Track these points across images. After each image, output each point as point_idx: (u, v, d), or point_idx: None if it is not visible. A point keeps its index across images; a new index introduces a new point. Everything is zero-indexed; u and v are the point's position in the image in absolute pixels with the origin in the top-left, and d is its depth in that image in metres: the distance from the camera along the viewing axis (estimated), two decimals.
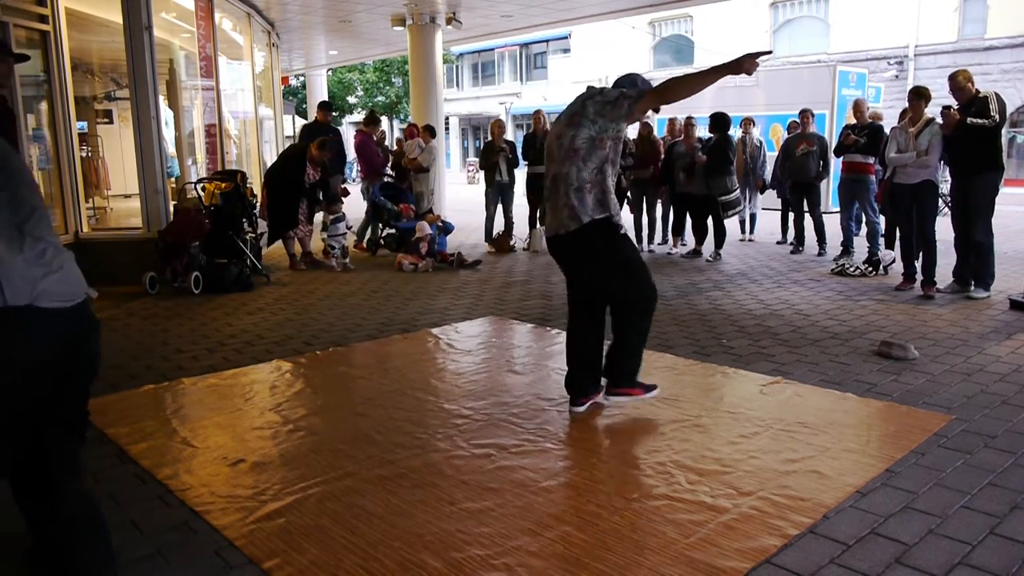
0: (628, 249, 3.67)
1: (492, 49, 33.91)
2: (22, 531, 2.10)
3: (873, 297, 6.61)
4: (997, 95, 6.14)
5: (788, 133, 10.14)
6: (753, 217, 10.71)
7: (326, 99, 14.60)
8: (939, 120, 6.34)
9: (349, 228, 8.91)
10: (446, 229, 9.17)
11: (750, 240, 10.57)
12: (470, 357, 4.89)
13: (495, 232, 10.18)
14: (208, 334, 5.58)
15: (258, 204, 8.42)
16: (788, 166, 9.22)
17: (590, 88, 3.64)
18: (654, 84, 3.57)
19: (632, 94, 3.46)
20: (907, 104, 6.81)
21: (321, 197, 8.67)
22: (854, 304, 6.33)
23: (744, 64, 3.21)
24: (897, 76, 21.30)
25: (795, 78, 15.74)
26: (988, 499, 2.80)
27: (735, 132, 9.62)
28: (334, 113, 10.31)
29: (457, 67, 36.27)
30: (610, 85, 3.65)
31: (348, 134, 24.53)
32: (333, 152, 8.75)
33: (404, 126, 14.23)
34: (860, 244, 8.49)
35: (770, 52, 3.50)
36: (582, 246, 3.56)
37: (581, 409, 3.79)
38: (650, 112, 4.08)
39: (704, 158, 8.55)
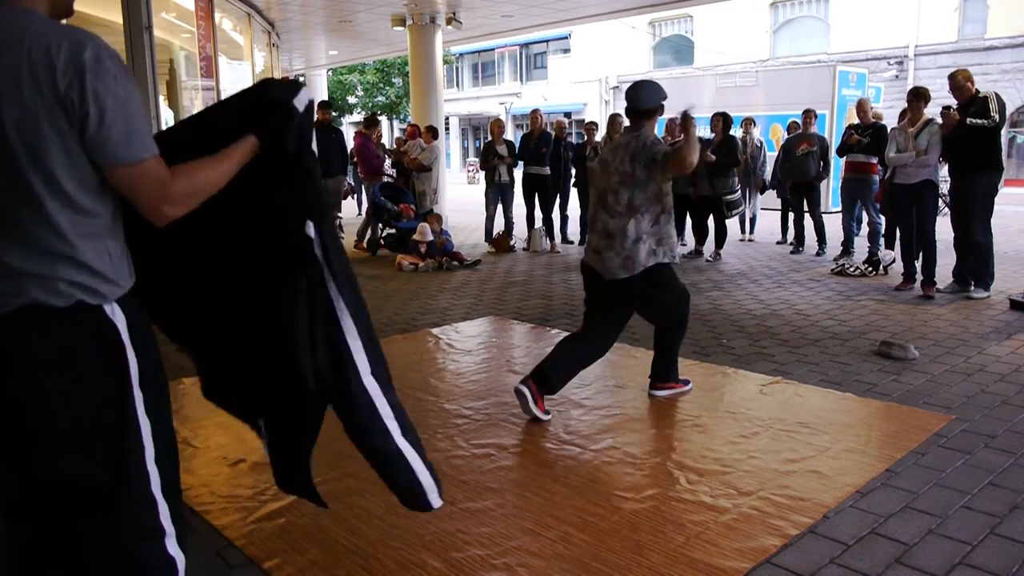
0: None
1: (492, 49, 33.85)
2: None
3: (873, 297, 6.61)
4: (997, 95, 6.14)
5: (788, 133, 10.13)
6: (753, 217, 10.70)
7: (325, 99, 14.61)
8: (938, 120, 6.35)
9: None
10: (446, 248, 9.00)
11: (750, 240, 10.56)
12: (470, 357, 4.89)
13: (495, 232, 10.18)
14: None
15: None
16: (788, 166, 9.20)
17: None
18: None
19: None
20: (906, 104, 6.82)
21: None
22: (854, 304, 6.33)
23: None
24: (897, 76, 21.28)
25: (795, 78, 15.72)
26: (988, 499, 2.80)
27: (735, 132, 9.61)
28: (333, 113, 10.30)
29: (457, 67, 36.22)
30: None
31: (348, 134, 24.52)
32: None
33: (404, 126, 14.23)
34: (860, 244, 8.49)
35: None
36: None
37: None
38: None
39: (713, 158, 8.47)
